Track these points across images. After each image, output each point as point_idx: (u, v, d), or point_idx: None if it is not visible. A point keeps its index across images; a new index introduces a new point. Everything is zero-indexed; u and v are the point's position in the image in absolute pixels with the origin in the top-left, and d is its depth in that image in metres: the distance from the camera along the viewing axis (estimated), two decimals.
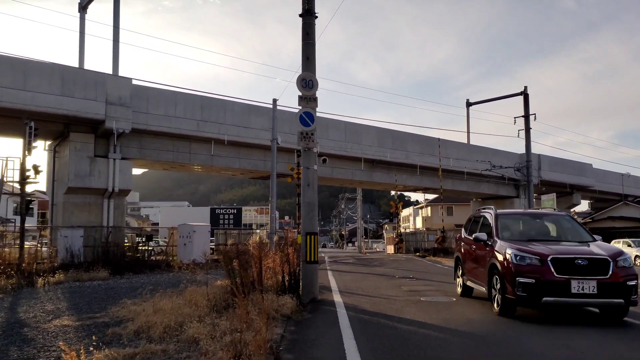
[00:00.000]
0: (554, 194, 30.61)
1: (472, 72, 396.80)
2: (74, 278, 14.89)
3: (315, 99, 10.30)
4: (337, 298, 10.37)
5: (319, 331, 7.04)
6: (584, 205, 61.87)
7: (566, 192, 45.49)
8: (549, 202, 30.16)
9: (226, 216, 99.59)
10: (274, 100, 23.01)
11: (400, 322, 7.55)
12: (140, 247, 23.16)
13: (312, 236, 10.20)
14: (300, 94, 10.25)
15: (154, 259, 22.84)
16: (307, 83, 10.25)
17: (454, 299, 9.88)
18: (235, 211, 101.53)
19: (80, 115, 22.29)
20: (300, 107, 10.23)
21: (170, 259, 20.22)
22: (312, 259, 10.15)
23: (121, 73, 25.46)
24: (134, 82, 24.52)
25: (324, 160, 24.30)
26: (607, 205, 59.36)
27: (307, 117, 10.13)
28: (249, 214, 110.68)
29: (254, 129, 28.65)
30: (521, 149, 42.37)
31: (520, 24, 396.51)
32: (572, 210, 53.49)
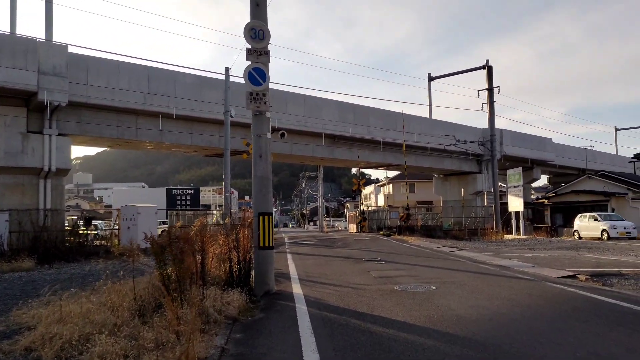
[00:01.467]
0: (520, 168, 29.80)
1: (431, 50, 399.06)
2: None
3: (267, 53, 8.56)
4: (296, 289, 8.82)
5: (273, 340, 5.45)
6: (542, 180, 62.41)
7: (527, 167, 45.26)
8: (515, 177, 29.31)
9: (183, 197, 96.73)
10: (227, 70, 21.04)
11: (375, 322, 6.05)
12: (82, 232, 20.97)
13: (266, 217, 8.57)
14: (249, 46, 8.49)
15: (97, 243, 20.77)
16: (257, 33, 8.50)
17: (433, 287, 8.45)
18: (192, 192, 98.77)
19: (9, 87, 19.92)
20: (250, 63, 8.48)
21: (110, 244, 18.18)
22: (267, 244, 8.54)
23: (56, 40, 22.98)
24: (70, 49, 22.15)
25: (282, 135, 22.63)
26: (566, 180, 59.84)
27: (257, 73, 8.39)
28: (208, 195, 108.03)
29: (207, 102, 26.69)
30: (483, 125, 41.83)
31: (478, 2, 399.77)
32: (531, 185, 53.77)
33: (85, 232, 20.80)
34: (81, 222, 22.71)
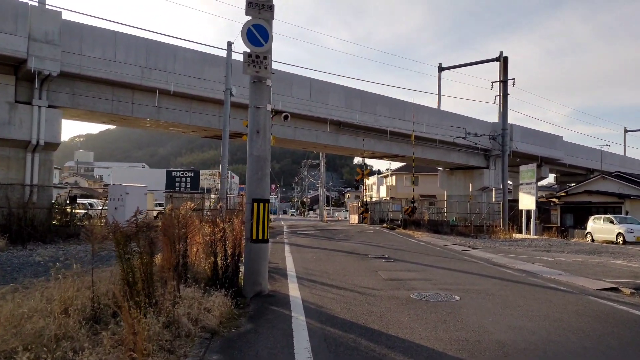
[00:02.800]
0: (535, 164, 28.43)
1: (439, 44, 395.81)
2: None
3: (270, 8, 7.14)
4: (293, 291, 7.48)
5: None
6: (545, 180, 60.81)
7: (536, 165, 43.90)
8: (528, 174, 27.87)
9: (183, 179, 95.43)
10: (229, 44, 19.57)
11: (393, 346, 4.70)
12: (68, 210, 19.66)
13: (262, 204, 7.21)
14: None
15: (85, 222, 19.45)
16: None
17: (457, 298, 7.10)
18: (192, 174, 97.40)
19: None
20: (249, 18, 7.06)
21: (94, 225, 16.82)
22: (261, 237, 7.19)
23: (49, 4, 21.56)
24: (65, 15, 20.80)
25: (286, 117, 21.19)
26: (573, 179, 58.44)
27: (257, 31, 6.98)
28: (208, 178, 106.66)
29: (208, 80, 25.31)
30: (493, 119, 40.34)
31: None
32: (538, 183, 52.38)
33: (71, 210, 19.45)
34: (67, 201, 21.34)
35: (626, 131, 73.80)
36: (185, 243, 7.28)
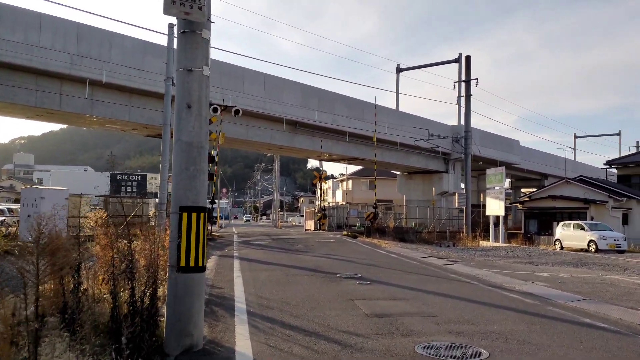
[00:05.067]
0: (504, 167, 26.90)
1: (392, 49, 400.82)
2: None
3: None
4: (242, 341, 5.10)
5: None
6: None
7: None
8: (496, 177, 26.31)
9: (129, 183, 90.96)
10: (170, 27, 16.91)
11: None
12: None
13: (196, 215, 4.81)
14: None
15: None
16: None
17: (485, 354, 4.88)
18: (139, 178, 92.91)
19: None
20: None
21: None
22: (194, 263, 4.78)
23: None
24: None
25: (237, 112, 18.79)
26: (527, 184, 58.22)
27: None
28: (157, 182, 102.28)
29: (150, 72, 22.61)
30: (451, 123, 39.01)
31: (439, 5, 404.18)
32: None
33: None
34: None
35: (576, 137, 74.91)
36: (79, 274, 4.84)
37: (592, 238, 22.98)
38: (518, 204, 35.02)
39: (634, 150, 61.89)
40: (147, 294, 4.48)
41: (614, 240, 22.88)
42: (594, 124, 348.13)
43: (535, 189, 49.96)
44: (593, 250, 22.62)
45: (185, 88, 4.86)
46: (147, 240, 4.88)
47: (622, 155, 54.29)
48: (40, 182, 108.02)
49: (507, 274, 11.08)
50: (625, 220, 29.88)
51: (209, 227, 19.03)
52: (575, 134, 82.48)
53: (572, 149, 66.07)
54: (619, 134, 74.08)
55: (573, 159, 67.30)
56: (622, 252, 22.53)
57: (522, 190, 59.01)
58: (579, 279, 10.87)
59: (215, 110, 17.95)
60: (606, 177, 41.43)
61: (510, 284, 9.59)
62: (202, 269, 4.95)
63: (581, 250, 23.00)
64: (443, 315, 6.44)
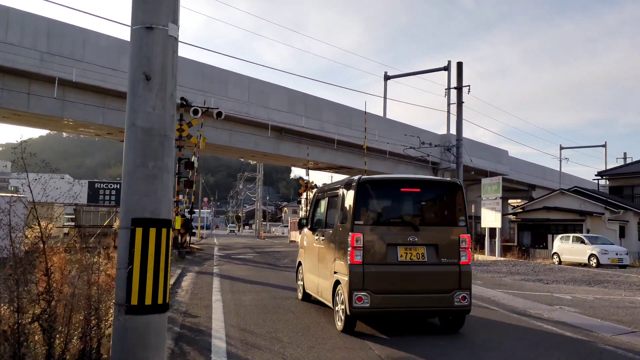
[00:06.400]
0: (500, 177, 25.88)
1: (373, 64, 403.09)
2: None
3: None
4: None
5: None
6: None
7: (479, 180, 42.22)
8: (492, 188, 25.19)
9: (107, 192, 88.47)
10: None
11: None
12: None
13: (158, 231, 3.38)
14: None
15: None
16: None
17: None
18: (118, 186, 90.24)
19: None
20: None
21: None
22: (151, 300, 3.33)
23: None
24: None
25: (219, 115, 17.40)
26: (515, 195, 57.39)
27: None
28: None
29: (127, 72, 20.80)
30: (440, 132, 37.99)
31: (422, 18, 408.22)
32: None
33: None
34: None
35: (561, 148, 74.63)
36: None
37: (594, 252, 21.87)
38: (511, 216, 33.98)
39: (621, 162, 61.58)
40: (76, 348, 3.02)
41: (616, 254, 21.83)
42: (576, 136, 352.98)
43: (522, 200, 49.21)
44: (594, 265, 21.52)
45: (143, 53, 3.47)
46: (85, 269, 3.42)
47: (609, 167, 53.87)
48: (16, 190, 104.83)
49: (525, 296, 9.77)
50: (622, 233, 28.96)
51: (187, 239, 17.54)
52: (560, 145, 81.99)
53: (565, 159, 65.38)
54: (604, 146, 73.86)
55: (559, 170, 66.95)
56: (624, 267, 21.49)
57: (510, 201, 58.19)
58: (605, 301, 9.61)
59: (195, 112, 16.53)
60: (598, 189, 40.71)
61: (535, 309, 8.27)
62: (164, 307, 3.50)
63: (580, 264, 21.91)
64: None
